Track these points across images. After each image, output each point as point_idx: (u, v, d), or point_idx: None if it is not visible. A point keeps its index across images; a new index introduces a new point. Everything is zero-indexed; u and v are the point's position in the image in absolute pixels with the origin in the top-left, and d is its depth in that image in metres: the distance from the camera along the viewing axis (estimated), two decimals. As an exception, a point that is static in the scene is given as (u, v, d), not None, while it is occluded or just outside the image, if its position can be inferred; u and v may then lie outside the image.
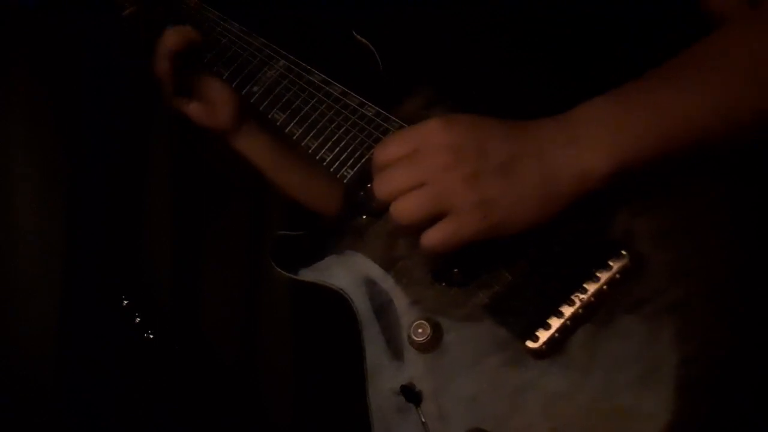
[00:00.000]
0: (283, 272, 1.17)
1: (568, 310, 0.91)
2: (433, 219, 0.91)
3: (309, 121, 1.21)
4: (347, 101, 1.19)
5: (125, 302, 1.72)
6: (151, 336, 1.72)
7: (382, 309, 1.05)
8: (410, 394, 0.96)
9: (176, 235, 1.81)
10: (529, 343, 0.91)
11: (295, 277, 1.16)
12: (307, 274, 1.15)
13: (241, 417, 1.80)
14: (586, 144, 0.90)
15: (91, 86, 1.73)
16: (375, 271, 1.07)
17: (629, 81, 0.94)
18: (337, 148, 1.16)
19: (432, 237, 0.92)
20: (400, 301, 1.04)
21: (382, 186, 0.94)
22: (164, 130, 1.82)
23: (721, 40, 0.96)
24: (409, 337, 0.99)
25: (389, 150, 0.95)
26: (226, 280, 1.87)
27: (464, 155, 0.89)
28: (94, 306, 1.70)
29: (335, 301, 1.11)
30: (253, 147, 1.43)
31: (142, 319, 1.72)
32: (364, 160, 1.13)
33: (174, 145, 1.82)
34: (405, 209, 0.92)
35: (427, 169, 0.90)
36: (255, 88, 1.29)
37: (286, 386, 1.84)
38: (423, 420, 0.95)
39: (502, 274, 0.98)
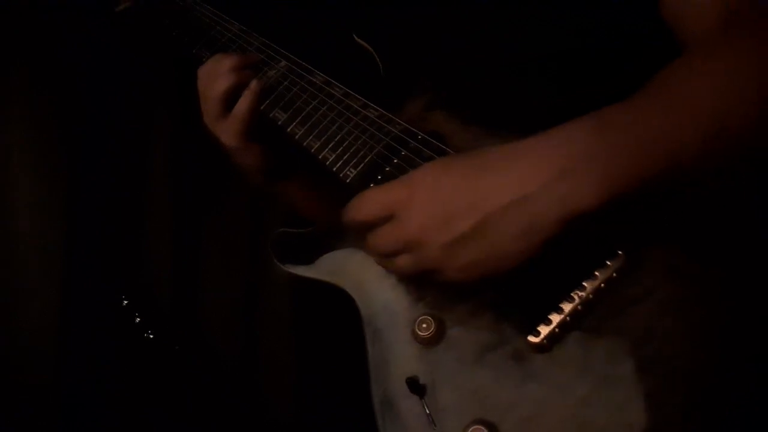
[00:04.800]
0: (284, 269, 1.17)
1: (567, 307, 0.93)
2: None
3: (311, 121, 1.20)
4: (349, 102, 1.19)
5: (125, 302, 1.72)
6: (151, 336, 1.72)
7: (385, 306, 1.06)
8: (415, 387, 0.97)
9: (176, 234, 1.81)
10: (531, 338, 0.93)
11: (297, 274, 1.16)
12: (310, 272, 1.16)
13: (243, 416, 1.80)
14: (572, 185, 0.86)
15: (91, 87, 1.74)
16: (377, 268, 1.06)
17: (611, 105, 0.90)
18: (340, 148, 1.15)
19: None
20: (403, 297, 1.05)
21: (372, 249, 0.99)
22: (164, 130, 1.82)
23: (688, 70, 0.91)
24: (413, 332, 1.00)
25: (363, 212, 0.98)
26: (226, 280, 1.87)
27: (432, 228, 0.91)
28: (94, 306, 1.70)
29: (337, 298, 1.11)
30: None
31: (142, 319, 1.72)
32: (367, 160, 1.13)
33: (174, 145, 1.82)
34: (395, 270, 0.98)
35: (406, 241, 0.93)
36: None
37: (288, 385, 1.84)
38: (428, 412, 0.96)
39: None
